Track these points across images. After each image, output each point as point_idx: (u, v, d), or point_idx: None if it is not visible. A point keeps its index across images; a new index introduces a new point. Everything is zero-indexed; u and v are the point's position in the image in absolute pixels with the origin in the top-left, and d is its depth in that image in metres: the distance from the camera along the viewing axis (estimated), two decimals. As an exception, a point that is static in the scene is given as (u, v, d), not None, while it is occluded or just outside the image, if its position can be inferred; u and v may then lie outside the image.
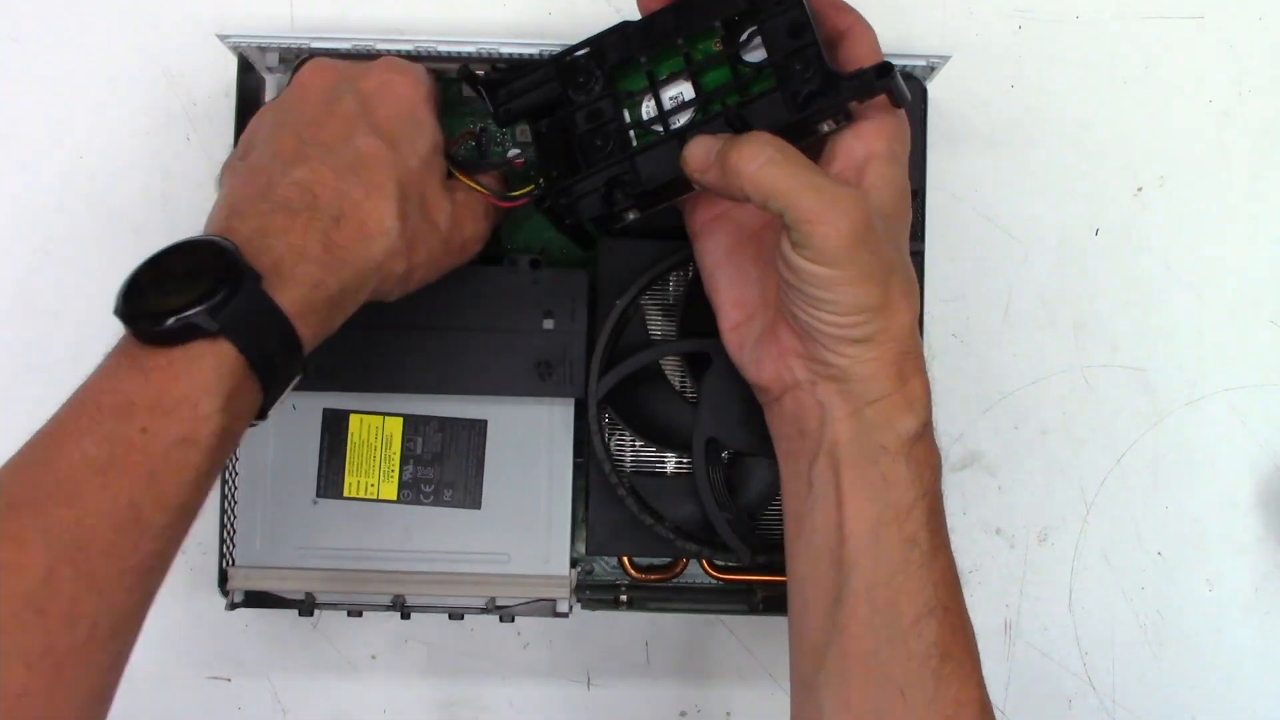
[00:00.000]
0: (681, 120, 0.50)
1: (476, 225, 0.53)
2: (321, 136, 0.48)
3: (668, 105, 0.50)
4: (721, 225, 0.52)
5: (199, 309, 0.41)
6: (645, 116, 0.50)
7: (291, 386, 0.46)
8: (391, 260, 0.48)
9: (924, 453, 0.47)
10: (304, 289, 0.44)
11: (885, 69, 0.45)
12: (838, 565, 0.46)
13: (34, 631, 0.37)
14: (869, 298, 0.45)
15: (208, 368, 0.41)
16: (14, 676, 0.37)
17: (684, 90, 0.50)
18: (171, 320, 0.41)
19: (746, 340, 0.50)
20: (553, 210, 0.51)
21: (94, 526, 0.39)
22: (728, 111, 0.48)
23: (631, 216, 0.51)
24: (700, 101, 0.49)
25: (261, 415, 0.45)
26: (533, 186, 0.53)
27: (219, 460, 0.42)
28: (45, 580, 0.38)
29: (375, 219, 0.47)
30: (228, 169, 0.50)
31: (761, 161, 0.44)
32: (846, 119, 0.47)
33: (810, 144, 0.47)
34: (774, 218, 0.49)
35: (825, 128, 0.47)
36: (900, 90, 0.45)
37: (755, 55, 0.49)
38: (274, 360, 0.43)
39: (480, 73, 0.55)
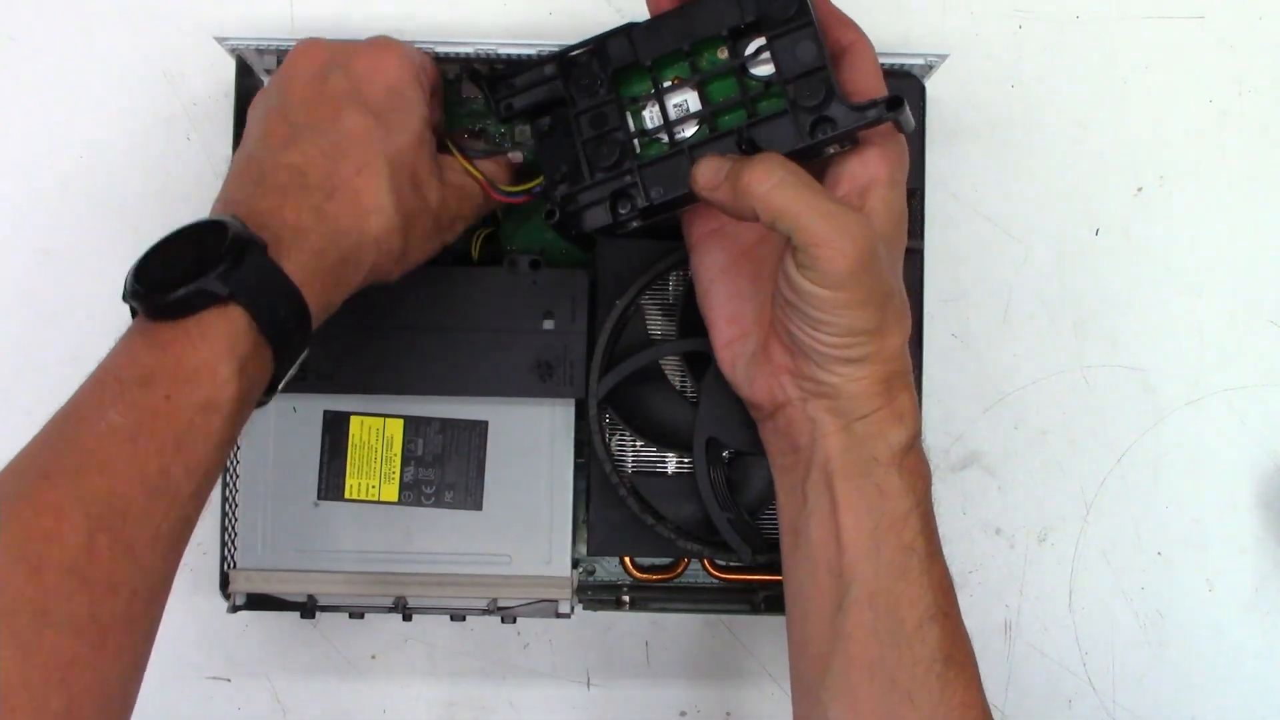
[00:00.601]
0: (687, 131, 0.50)
1: (463, 204, 0.53)
2: (311, 119, 0.48)
3: (673, 114, 0.50)
4: (719, 240, 0.52)
5: (209, 275, 0.41)
6: (649, 124, 0.50)
7: (300, 360, 0.46)
8: (389, 236, 0.48)
9: (915, 463, 0.48)
10: (306, 256, 0.45)
11: (896, 101, 0.45)
12: (838, 575, 0.47)
13: (79, 599, 0.38)
14: (866, 321, 0.45)
15: (221, 333, 0.42)
16: (64, 644, 0.37)
17: (689, 99, 0.50)
18: (182, 290, 0.41)
19: (740, 357, 0.51)
20: (561, 223, 0.51)
21: (127, 493, 0.39)
22: (739, 134, 0.48)
23: (634, 225, 0.50)
24: (707, 114, 0.49)
25: (271, 389, 0.45)
26: (533, 184, 0.53)
27: (237, 426, 0.43)
28: (85, 548, 0.38)
29: (370, 194, 0.47)
30: (232, 163, 0.50)
31: (773, 183, 0.44)
32: (851, 143, 0.47)
33: (812, 164, 0.48)
34: (772, 235, 0.49)
35: (831, 150, 0.48)
36: (908, 121, 0.46)
37: (763, 69, 0.48)
38: (285, 327, 0.44)
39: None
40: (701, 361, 0.55)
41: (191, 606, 0.62)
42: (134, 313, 0.43)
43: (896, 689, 0.45)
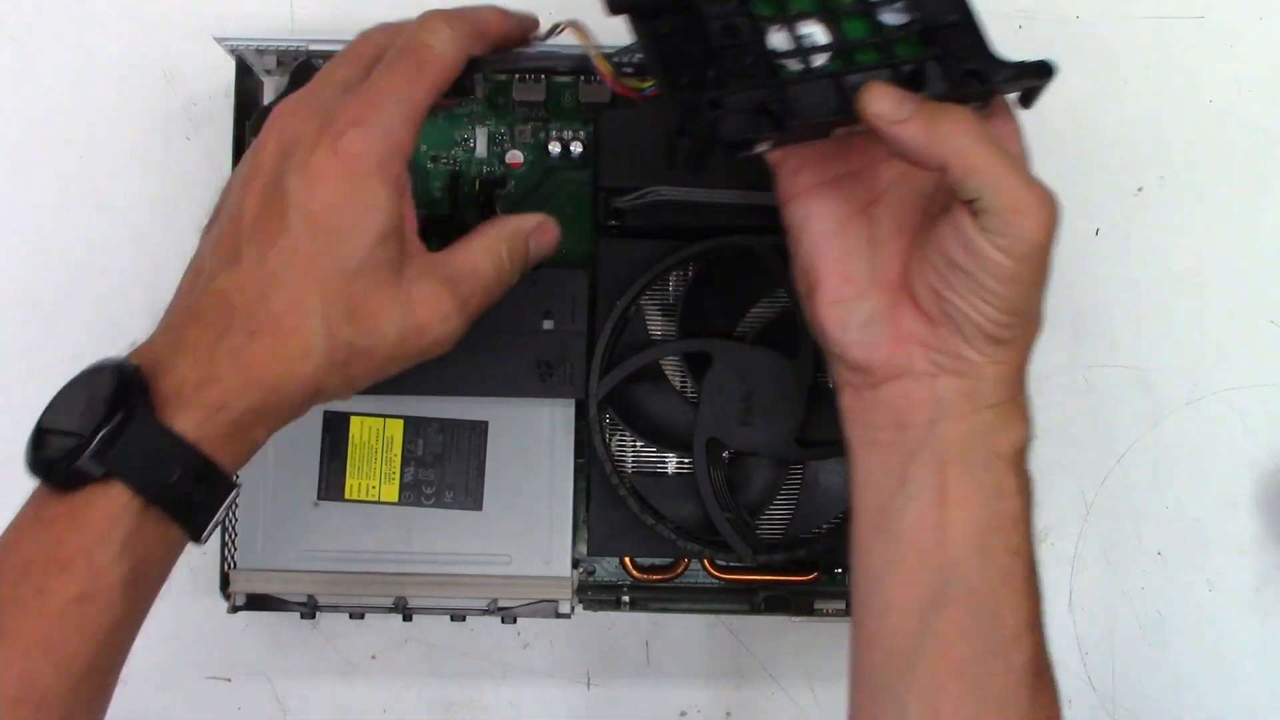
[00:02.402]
0: (818, 62, 0.45)
1: (445, 325, 0.45)
2: (257, 227, 0.43)
3: (805, 43, 0.45)
4: (834, 192, 0.47)
5: (84, 454, 0.38)
6: (778, 47, 0.45)
7: (228, 505, 0.42)
8: (321, 379, 0.43)
9: (1028, 467, 0.45)
10: (205, 412, 0.40)
11: (1047, 67, 0.44)
12: (934, 568, 0.44)
13: None
14: (1030, 302, 0.43)
15: (99, 514, 0.39)
16: None
17: (815, 31, 0.46)
18: (61, 468, 0.38)
19: (851, 318, 0.46)
20: (697, 129, 0.44)
21: None
22: (902, 65, 0.44)
23: (759, 150, 0.45)
24: (839, 48, 0.45)
25: (195, 540, 0.42)
26: (647, 85, 0.48)
27: (132, 610, 0.40)
28: None
29: (298, 338, 0.42)
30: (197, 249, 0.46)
31: (975, 136, 0.41)
32: (984, 108, 0.45)
33: None
34: (892, 195, 0.47)
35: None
36: (1039, 93, 0.45)
37: (893, 17, 0.46)
38: (182, 491, 0.40)
39: None
40: (702, 361, 0.55)
41: (191, 606, 0.62)
42: None
43: (988, 695, 0.43)
